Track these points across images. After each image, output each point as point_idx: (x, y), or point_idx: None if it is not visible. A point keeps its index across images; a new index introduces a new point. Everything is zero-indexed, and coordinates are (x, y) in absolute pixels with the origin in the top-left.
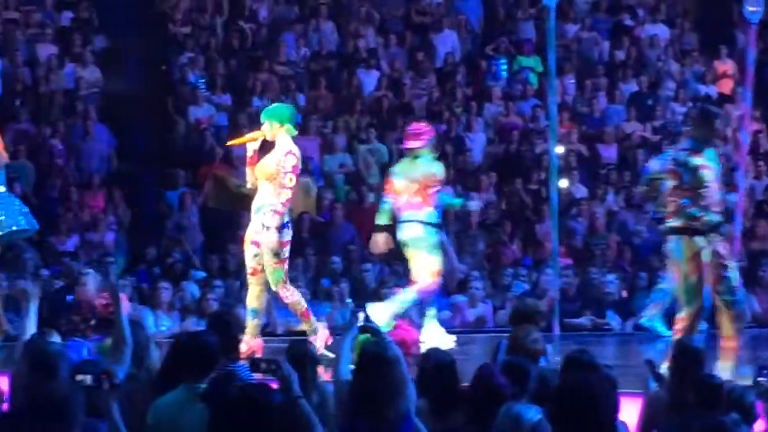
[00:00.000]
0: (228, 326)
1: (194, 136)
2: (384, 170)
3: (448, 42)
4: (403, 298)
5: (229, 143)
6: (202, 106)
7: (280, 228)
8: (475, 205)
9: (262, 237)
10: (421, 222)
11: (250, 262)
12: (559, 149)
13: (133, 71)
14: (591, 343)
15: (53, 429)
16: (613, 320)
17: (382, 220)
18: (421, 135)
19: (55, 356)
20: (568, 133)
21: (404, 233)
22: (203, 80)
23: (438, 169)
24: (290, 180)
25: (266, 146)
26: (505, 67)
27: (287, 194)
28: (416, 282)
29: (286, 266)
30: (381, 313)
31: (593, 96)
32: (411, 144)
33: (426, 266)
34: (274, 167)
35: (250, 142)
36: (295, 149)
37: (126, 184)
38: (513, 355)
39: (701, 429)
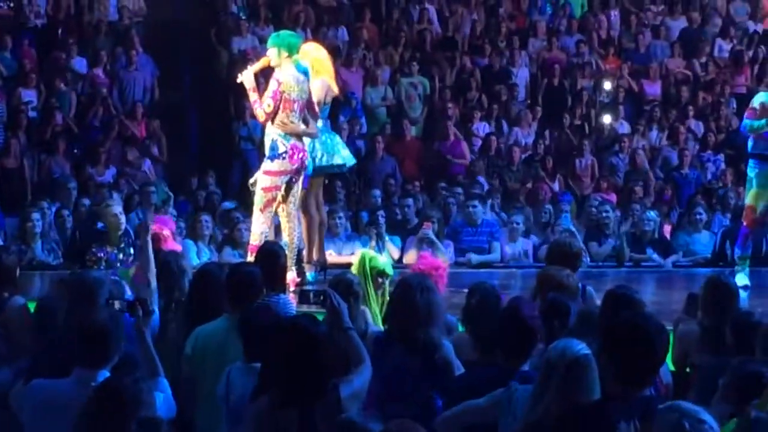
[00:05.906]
0: (275, 258)
1: (237, 68)
2: (426, 103)
3: None
4: None
5: (239, 77)
6: (246, 38)
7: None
8: None
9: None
10: None
11: None
12: (607, 85)
13: (177, 1)
14: (631, 280)
15: (94, 353)
16: (653, 257)
17: None
18: None
19: (93, 284)
20: (613, 69)
21: None
22: (246, 11)
23: None
24: (268, 105)
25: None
26: (549, 1)
27: (260, 116)
28: None
29: (267, 195)
30: None
31: (639, 32)
32: None
33: None
34: None
35: (258, 70)
36: (286, 76)
37: (168, 114)
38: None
39: (737, 375)
